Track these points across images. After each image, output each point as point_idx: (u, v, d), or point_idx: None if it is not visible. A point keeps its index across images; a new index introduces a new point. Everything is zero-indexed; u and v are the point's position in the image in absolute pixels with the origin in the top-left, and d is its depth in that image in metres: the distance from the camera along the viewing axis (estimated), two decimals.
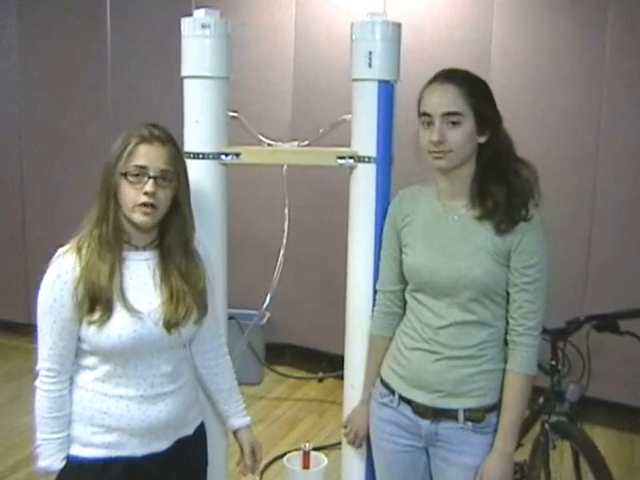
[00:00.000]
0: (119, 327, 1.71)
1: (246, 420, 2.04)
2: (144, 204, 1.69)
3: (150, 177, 1.69)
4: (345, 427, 2.16)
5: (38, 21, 4.91)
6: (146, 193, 1.69)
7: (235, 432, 2.04)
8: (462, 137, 1.81)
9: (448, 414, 1.88)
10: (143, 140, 1.71)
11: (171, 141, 1.76)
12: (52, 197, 4.98)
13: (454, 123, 1.80)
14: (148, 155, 1.70)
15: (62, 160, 4.94)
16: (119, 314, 1.71)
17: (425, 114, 1.84)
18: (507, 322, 1.88)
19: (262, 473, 3.40)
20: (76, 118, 4.88)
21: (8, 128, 5.09)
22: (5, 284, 5.18)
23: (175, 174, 1.75)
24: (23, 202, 5.13)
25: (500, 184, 1.84)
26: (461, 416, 1.87)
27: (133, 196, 1.70)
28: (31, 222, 5.11)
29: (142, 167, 1.69)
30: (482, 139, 1.85)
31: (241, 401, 2.04)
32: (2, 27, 4.98)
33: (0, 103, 5.11)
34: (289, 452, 2.68)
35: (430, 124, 1.83)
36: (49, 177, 5.00)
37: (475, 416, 1.87)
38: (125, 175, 1.70)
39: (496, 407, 1.88)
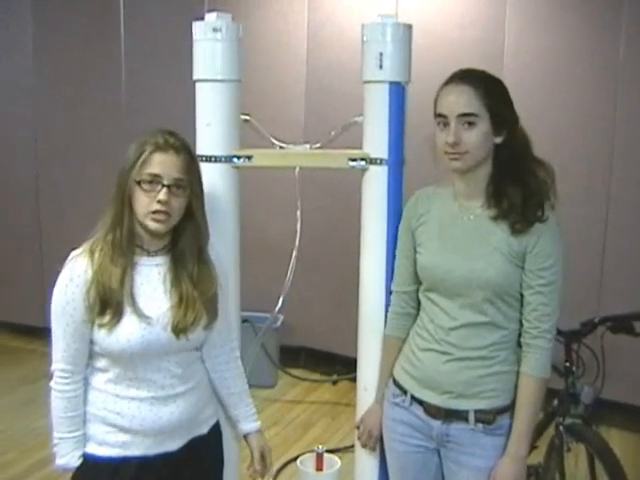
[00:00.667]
0: (128, 331, 1.72)
1: (256, 425, 2.04)
2: (157, 211, 1.70)
3: (164, 186, 1.70)
4: (358, 427, 2.16)
5: (53, 25, 4.95)
6: (159, 201, 1.69)
7: (245, 436, 2.05)
8: (478, 138, 1.80)
9: (459, 415, 1.87)
10: (158, 148, 1.71)
11: (186, 149, 1.76)
12: (67, 200, 5.02)
13: (470, 124, 1.80)
14: (163, 164, 1.71)
15: (77, 162, 4.97)
16: (128, 319, 1.73)
17: (441, 115, 1.83)
18: (520, 324, 1.87)
19: (276, 476, 3.41)
20: (90, 120, 4.91)
21: (23, 131, 5.14)
22: (21, 288, 5.23)
23: (189, 183, 1.75)
24: (38, 205, 5.17)
25: (516, 185, 1.84)
26: (472, 417, 1.86)
27: (146, 204, 1.71)
28: (47, 225, 5.15)
29: (156, 175, 1.70)
30: (498, 139, 1.84)
31: (251, 405, 2.04)
32: (17, 31, 5.03)
33: (16, 106, 5.15)
34: (303, 455, 2.68)
35: (446, 125, 1.82)
36: (64, 179, 5.03)
37: (486, 418, 1.86)
38: (139, 183, 1.70)
39: (508, 409, 1.87)
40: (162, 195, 1.69)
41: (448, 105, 1.82)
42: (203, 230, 1.84)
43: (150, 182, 1.70)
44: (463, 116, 1.80)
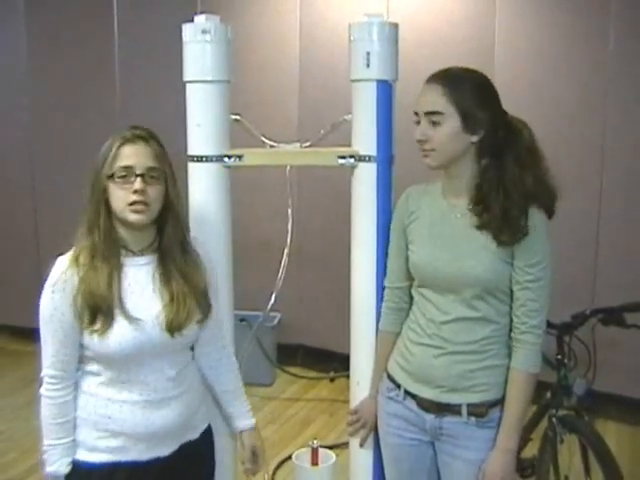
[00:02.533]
0: (119, 334, 1.71)
1: (251, 422, 2.04)
2: (135, 202, 1.70)
3: (137, 175, 1.70)
4: (354, 414, 2.17)
5: (47, 28, 4.97)
6: (135, 191, 1.69)
7: (243, 433, 2.04)
8: (444, 136, 1.82)
9: (451, 409, 1.89)
10: (126, 141, 1.73)
11: (154, 139, 1.77)
12: (64, 202, 4.99)
13: (435, 122, 1.82)
14: (133, 155, 1.72)
15: (73, 164, 4.95)
16: (119, 323, 1.72)
17: (415, 113, 1.87)
18: (511, 319, 1.88)
19: (274, 472, 3.43)
20: (85, 122, 4.92)
21: (19, 134, 5.15)
22: (19, 290, 5.24)
23: (162, 171, 1.75)
24: (35, 207, 5.19)
25: (498, 193, 1.82)
26: (464, 411, 1.88)
27: (123, 197, 1.70)
28: (43, 227, 5.17)
29: (128, 167, 1.71)
30: (474, 138, 1.84)
31: (246, 403, 2.05)
32: (11, 35, 5.05)
33: (11, 109, 5.18)
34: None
35: (418, 123, 1.86)
36: (60, 181, 5.03)
37: (478, 411, 1.88)
38: (112, 177, 1.71)
39: (499, 402, 1.89)
40: (137, 184, 1.69)
41: (418, 103, 1.86)
42: (182, 219, 1.84)
43: (124, 175, 1.70)
44: (429, 114, 1.82)
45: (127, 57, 4.81)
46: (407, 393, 1.96)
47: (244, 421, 2.04)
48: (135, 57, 4.79)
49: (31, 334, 5.13)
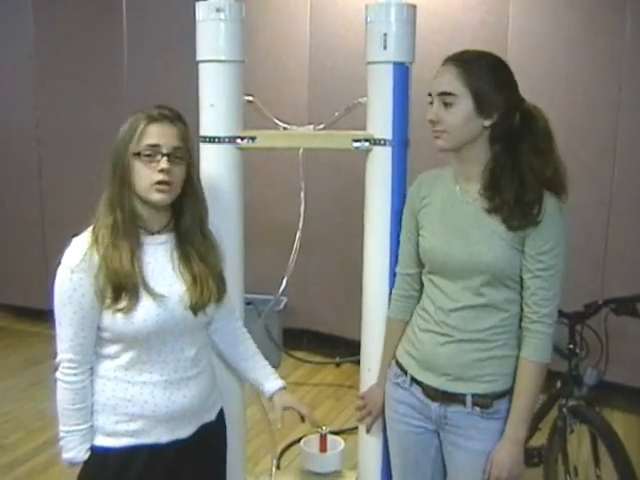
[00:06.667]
0: (144, 312, 1.70)
1: (281, 382, 1.99)
2: (160, 182, 1.69)
3: (163, 155, 1.70)
4: (362, 398, 2.17)
5: (54, 11, 4.93)
6: (162, 170, 1.69)
7: (274, 396, 1.98)
8: (456, 118, 1.79)
9: (456, 398, 1.87)
10: (153, 120, 1.71)
11: (179, 119, 1.76)
12: (70, 185, 5.01)
13: (448, 103, 1.79)
14: (160, 134, 1.70)
15: (79, 148, 4.97)
16: (143, 300, 1.71)
17: (429, 94, 1.84)
18: (522, 308, 1.85)
19: (280, 457, 3.42)
20: (93, 103, 4.90)
21: (25, 116, 5.13)
22: (24, 271, 5.24)
23: (186, 151, 1.75)
24: (41, 190, 5.17)
25: (513, 176, 1.79)
26: (469, 401, 1.86)
27: (148, 176, 1.69)
28: (49, 210, 5.16)
29: (155, 145, 1.69)
30: (487, 122, 1.80)
31: (269, 366, 2.01)
32: (18, 17, 5.01)
33: (17, 92, 5.14)
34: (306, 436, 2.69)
35: (431, 104, 1.83)
36: (67, 165, 5.03)
37: (483, 402, 1.85)
38: (138, 155, 1.69)
39: (506, 394, 1.86)
40: (164, 164, 1.69)
41: (432, 84, 1.83)
42: (202, 203, 1.83)
43: (149, 154, 1.69)
44: (442, 95, 1.80)
45: (135, 36, 4.77)
46: (413, 380, 1.94)
47: (273, 382, 1.99)
48: (144, 36, 4.75)
49: (36, 314, 5.19)
